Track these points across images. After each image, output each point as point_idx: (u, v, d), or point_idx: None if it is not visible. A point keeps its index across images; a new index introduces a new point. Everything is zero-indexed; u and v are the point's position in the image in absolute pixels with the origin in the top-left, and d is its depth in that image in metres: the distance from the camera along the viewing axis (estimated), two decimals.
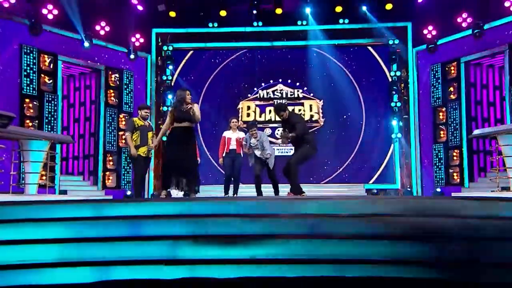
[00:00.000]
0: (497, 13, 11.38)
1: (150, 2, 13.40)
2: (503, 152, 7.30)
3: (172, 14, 13.62)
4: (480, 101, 12.51)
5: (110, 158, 12.47)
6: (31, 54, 10.96)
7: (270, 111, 13.79)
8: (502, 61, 11.63)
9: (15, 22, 10.85)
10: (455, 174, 12.17)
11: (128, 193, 12.35)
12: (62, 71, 12.10)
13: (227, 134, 8.65)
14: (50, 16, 11.67)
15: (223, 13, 13.59)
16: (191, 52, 14.38)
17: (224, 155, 8.54)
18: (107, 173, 12.39)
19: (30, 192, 6.97)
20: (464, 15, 12.16)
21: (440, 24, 12.80)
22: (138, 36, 13.56)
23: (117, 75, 12.83)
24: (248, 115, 14.04)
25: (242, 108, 14.24)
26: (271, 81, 14.26)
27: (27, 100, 10.78)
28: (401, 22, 13.67)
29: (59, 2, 11.69)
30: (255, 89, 14.23)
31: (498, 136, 7.19)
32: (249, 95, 14.30)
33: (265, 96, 14.26)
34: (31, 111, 10.80)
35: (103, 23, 12.81)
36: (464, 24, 12.21)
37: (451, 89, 12.41)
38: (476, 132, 7.46)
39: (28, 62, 10.88)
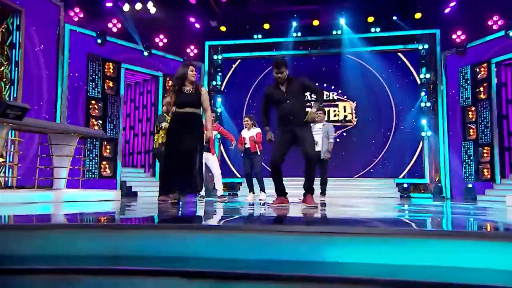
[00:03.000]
0: None
1: (204, 19, 12.54)
2: None
3: (223, 28, 12.86)
4: (511, 100, 10.48)
5: None
6: (97, 62, 10.03)
7: (308, 111, 12.16)
8: None
9: (84, 34, 9.90)
10: (485, 170, 10.28)
11: None
12: (127, 78, 11.27)
13: (243, 133, 7.07)
14: (114, 29, 10.82)
15: (266, 26, 12.73)
16: (238, 61, 13.27)
17: (242, 155, 7.04)
18: None
19: (60, 186, 5.66)
20: (495, 18, 10.52)
21: (469, 28, 11.08)
22: (192, 47, 12.79)
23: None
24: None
25: None
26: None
27: (92, 102, 9.84)
28: (430, 29, 11.94)
29: (123, 17, 10.73)
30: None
31: None
32: None
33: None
34: (96, 111, 9.85)
35: (161, 36, 11.83)
36: (495, 27, 10.56)
37: (481, 89, 10.61)
38: None
39: (94, 69, 9.97)
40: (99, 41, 10.10)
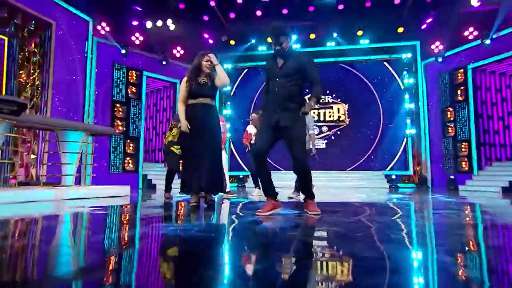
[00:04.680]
0: (503, 24, 8.44)
1: (216, 35, 11.56)
2: None
3: (232, 42, 11.86)
4: (485, 101, 9.42)
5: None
6: (121, 70, 9.03)
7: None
8: (509, 66, 8.93)
9: (109, 46, 8.93)
10: (463, 163, 9.24)
11: None
12: (149, 84, 10.28)
13: (249, 128, 5.88)
14: (137, 42, 9.78)
15: (269, 39, 11.20)
16: (246, 70, 12.21)
17: (247, 150, 5.84)
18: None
19: (67, 183, 4.52)
20: (471, 29, 9.47)
21: (446, 39, 9.94)
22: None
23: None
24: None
25: None
26: (306, 90, 11.59)
27: (117, 105, 8.85)
28: (411, 41, 10.92)
29: (145, 32, 9.78)
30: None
31: None
32: None
33: None
34: (120, 113, 8.87)
35: (178, 48, 10.81)
36: (470, 37, 9.51)
37: (459, 92, 9.54)
38: None
39: (119, 76, 8.96)
40: (123, 51, 9.12)
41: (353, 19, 10.71)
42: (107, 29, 9.02)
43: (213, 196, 3.66)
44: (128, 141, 8.91)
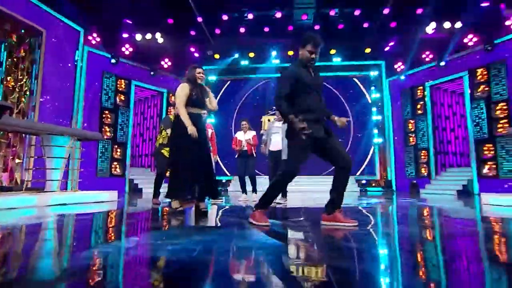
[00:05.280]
0: (457, 47, 8.76)
1: (202, 49, 11.34)
2: None
3: (217, 56, 11.66)
4: (440, 115, 9.72)
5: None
6: (111, 79, 8.60)
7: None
8: (458, 85, 9.19)
9: (100, 55, 8.50)
10: (423, 169, 9.43)
11: None
12: (137, 93, 9.88)
13: (238, 135, 5.43)
14: (127, 52, 9.38)
15: (251, 54, 11.52)
16: (229, 81, 12.03)
17: (236, 156, 5.39)
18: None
19: (52, 189, 4.05)
20: (428, 52, 9.77)
21: (407, 60, 10.20)
22: None
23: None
24: (252, 130, 11.52)
25: (263, 121, 11.72)
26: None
27: (106, 112, 8.39)
28: (377, 61, 11.16)
29: (135, 43, 9.42)
30: (273, 107, 11.68)
31: None
32: (269, 111, 11.79)
33: None
34: (109, 120, 8.41)
35: (166, 60, 10.45)
36: (427, 59, 9.79)
37: (418, 106, 9.82)
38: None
39: (108, 84, 8.53)
40: (113, 61, 8.71)
41: (327, 39, 10.77)
42: (98, 39, 8.60)
43: (206, 203, 3.44)
44: (116, 146, 8.46)
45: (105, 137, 8.12)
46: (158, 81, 10.05)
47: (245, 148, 5.28)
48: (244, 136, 5.37)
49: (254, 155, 5.31)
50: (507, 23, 7.48)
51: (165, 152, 4.33)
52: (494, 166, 7.54)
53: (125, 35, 9.32)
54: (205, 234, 2.10)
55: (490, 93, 7.74)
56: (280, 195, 4.76)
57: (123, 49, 9.31)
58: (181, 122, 3.07)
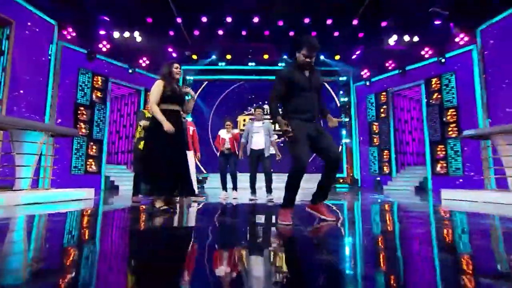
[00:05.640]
0: (416, 58, 9.16)
1: (180, 49, 10.89)
2: (499, 150, 4.54)
3: (194, 56, 11.35)
4: (400, 119, 10.21)
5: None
6: (87, 75, 8.02)
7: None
8: (416, 92, 9.73)
9: (75, 50, 7.91)
10: (385, 167, 9.83)
11: None
12: (114, 90, 9.34)
13: (222, 133, 5.22)
14: (104, 49, 8.79)
15: (228, 56, 11.34)
16: (206, 82, 11.76)
17: (219, 153, 5.22)
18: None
19: (22, 186, 3.58)
20: (390, 62, 10.15)
21: (372, 68, 10.63)
22: None
23: None
24: (244, 125, 11.37)
25: (239, 120, 11.63)
26: (260, 103, 11.67)
27: (81, 108, 7.81)
28: (346, 67, 11.39)
29: (112, 41, 8.87)
30: (249, 107, 11.67)
31: (493, 136, 4.44)
32: (244, 112, 11.73)
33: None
34: (84, 116, 7.84)
35: (144, 58, 9.97)
36: (390, 68, 10.17)
37: (382, 110, 10.19)
38: (468, 132, 4.70)
39: (84, 80, 7.95)
40: (89, 57, 8.16)
41: None
42: (73, 34, 7.99)
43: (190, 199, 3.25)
44: (92, 143, 7.92)
45: (80, 133, 7.57)
46: (136, 79, 9.57)
47: (229, 146, 5.12)
48: (227, 135, 5.22)
49: (237, 152, 5.17)
50: (456, 39, 7.99)
51: (142, 146, 4.03)
52: (445, 165, 8.03)
53: (102, 32, 8.75)
54: (177, 234, 1.97)
55: (442, 101, 8.23)
56: (251, 191, 4.70)
57: (100, 45, 8.73)
58: (155, 119, 2.94)
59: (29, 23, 6.64)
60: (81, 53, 8.07)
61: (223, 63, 11.44)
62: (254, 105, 11.75)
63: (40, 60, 6.92)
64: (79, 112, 7.75)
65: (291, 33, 10.23)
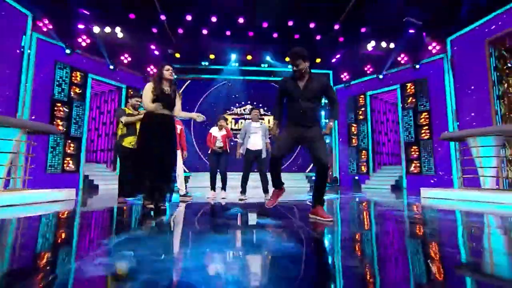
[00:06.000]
0: (392, 64, 9.47)
1: (162, 46, 10.52)
2: (474, 152, 4.73)
3: (177, 55, 11.05)
4: (377, 120, 10.52)
5: None
6: (65, 70, 7.53)
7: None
8: (392, 96, 10.03)
9: (52, 44, 7.39)
10: (363, 167, 10.06)
11: None
12: (94, 87, 8.85)
13: (213, 131, 5.01)
14: (83, 44, 8.29)
15: (212, 56, 11.11)
16: (189, 81, 11.47)
17: (209, 152, 4.97)
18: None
19: None
20: (368, 66, 10.36)
21: (352, 71, 10.82)
22: (152, 67, 10.51)
23: (135, 92, 9.63)
24: (227, 124, 11.19)
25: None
26: (243, 102, 11.70)
27: (58, 104, 7.33)
28: (326, 70, 11.57)
29: (92, 35, 8.38)
30: (232, 107, 11.56)
31: (469, 138, 4.62)
32: (227, 111, 11.56)
33: (238, 112, 11.65)
34: (61, 113, 7.36)
35: (126, 55, 9.55)
36: (368, 72, 10.41)
37: (360, 112, 10.43)
38: (446, 134, 4.86)
39: (61, 75, 7.46)
40: (67, 51, 7.65)
41: (283, 46, 10.95)
42: (50, 27, 7.45)
43: (166, 203, 3.11)
44: (69, 141, 7.44)
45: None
46: (117, 76, 9.14)
47: (221, 144, 4.93)
48: (219, 133, 5.02)
49: (228, 151, 5.02)
50: (429, 48, 8.34)
51: (127, 143, 3.79)
52: (418, 164, 8.37)
53: (81, 26, 8.25)
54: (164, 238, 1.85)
55: (416, 104, 8.57)
56: (241, 191, 4.58)
57: (80, 40, 8.23)
58: (144, 119, 2.94)
59: (2, 13, 6.11)
60: (59, 46, 7.57)
61: (207, 62, 11.23)
62: (237, 105, 11.66)
63: (11, 52, 6.39)
64: (56, 108, 7.25)
65: (275, 35, 10.22)
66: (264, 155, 4.59)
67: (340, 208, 3.65)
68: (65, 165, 7.27)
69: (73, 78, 7.71)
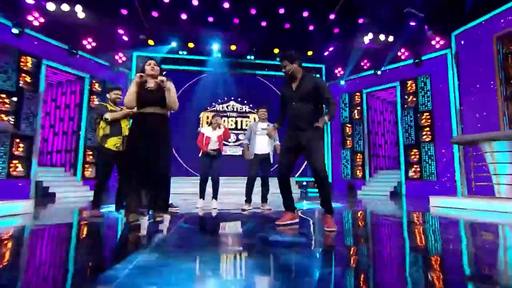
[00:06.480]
0: (392, 59, 9.51)
1: (133, 31, 9.90)
2: (488, 158, 4.64)
3: (151, 42, 10.47)
4: (374, 120, 10.53)
5: (90, 152, 8.45)
6: (11, 53, 6.76)
7: (224, 120, 10.91)
8: (390, 94, 10.08)
9: None
10: (358, 171, 10.01)
11: None
12: (49, 76, 8.08)
13: (206, 131, 4.70)
14: (36, 23, 7.52)
15: (191, 45, 10.65)
16: (164, 72, 10.76)
17: (200, 155, 4.63)
18: (86, 165, 8.34)
19: None
20: (365, 61, 10.37)
21: (346, 67, 10.73)
22: (121, 55, 9.90)
23: (100, 83, 8.98)
24: (207, 123, 10.74)
25: (202, 117, 11.00)
26: (225, 98, 11.33)
27: (2, 95, 6.52)
28: (318, 64, 11.55)
29: (47, 13, 7.62)
30: (213, 103, 11.16)
31: (484, 143, 4.51)
32: (208, 108, 11.15)
33: (221, 109, 11.25)
34: (7, 106, 6.57)
35: (90, 39, 8.85)
36: (365, 67, 10.38)
37: (355, 111, 10.38)
38: (458, 138, 4.75)
39: (8, 61, 6.67)
40: (15, 31, 6.87)
41: (272, 37, 10.68)
42: None
43: (164, 214, 2.84)
44: (18, 140, 6.67)
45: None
46: (78, 64, 8.40)
47: (216, 147, 4.60)
48: (213, 133, 4.67)
49: (222, 153, 4.72)
50: (433, 42, 8.41)
51: (111, 145, 3.41)
52: (419, 169, 8.40)
53: (29, 1, 7.43)
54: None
55: (418, 104, 8.61)
56: (245, 199, 4.36)
57: (30, 18, 7.45)
58: (132, 127, 2.86)
59: None
60: (4, 25, 6.77)
61: (185, 52, 10.72)
62: (219, 100, 11.23)
63: None
64: (0, 100, 6.47)
65: (263, 23, 9.93)
66: (272, 160, 4.39)
67: (342, 221, 3.39)
68: (11, 169, 6.50)
69: (22, 64, 6.93)
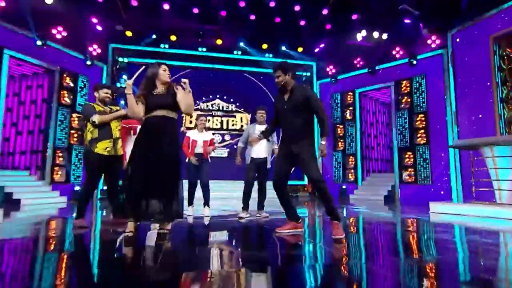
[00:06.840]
0: (386, 58, 9.67)
1: (108, 22, 9.62)
2: (489, 163, 4.75)
3: (129, 33, 10.26)
4: (366, 121, 10.69)
5: (60, 154, 8.09)
6: None
7: (209, 120, 10.79)
8: (383, 94, 10.30)
9: None
10: (350, 174, 10.14)
11: (77, 188, 8.10)
12: (12, 68, 7.69)
13: (192, 135, 4.62)
14: None
15: (173, 37, 10.58)
16: (143, 67, 10.27)
17: (187, 160, 4.55)
18: (56, 168, 7.98)
19: None
20: (359, 59, 10.46)
21: (339, 64, 10.85)
22: (95, 47, 9.54)
23: (72, 77, 8.63)
24: (191, 122, 10.62)
25: (185, 117, 10.76)
26: (210, 96, 11.17)
27: None
28: (309, 61, 11.62)
29: None
30: (197, 101, 10.92)
31: (485, 147, 4.62)
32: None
33: (205, 108, 11.08)
34: None
35: (60, 28, 8.50)
36: (358, 66, 10.49)
37: (348, 111, 10.51)
38: (459, 142, 4.84)
39: None
40: None
41: (261, 31, 10.65)
42: None
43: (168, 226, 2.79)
44: None
45: None
46: (46, 55, 8.03)
47: (201, 151, 4.55)
48: (200, 136, 4.61)
49: (209, 160, 4.67)
50: (428, 41, 8.64)
51: (101, 149, 3.25)
52: (413, 172, 8.59)
53: None
54: None
55: (412, 105, 8.80)
56: (242, 207, 4.32)
57: None
58: (138, 133, 2.85)
59: None
60: None
61: (166, 45, 10.51)
62: (203, 99, 11.08)
63: None
64: None
65: (252, 17, 9.88)
66: (269, 165, 4.37)
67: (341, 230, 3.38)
68: None
69: None
